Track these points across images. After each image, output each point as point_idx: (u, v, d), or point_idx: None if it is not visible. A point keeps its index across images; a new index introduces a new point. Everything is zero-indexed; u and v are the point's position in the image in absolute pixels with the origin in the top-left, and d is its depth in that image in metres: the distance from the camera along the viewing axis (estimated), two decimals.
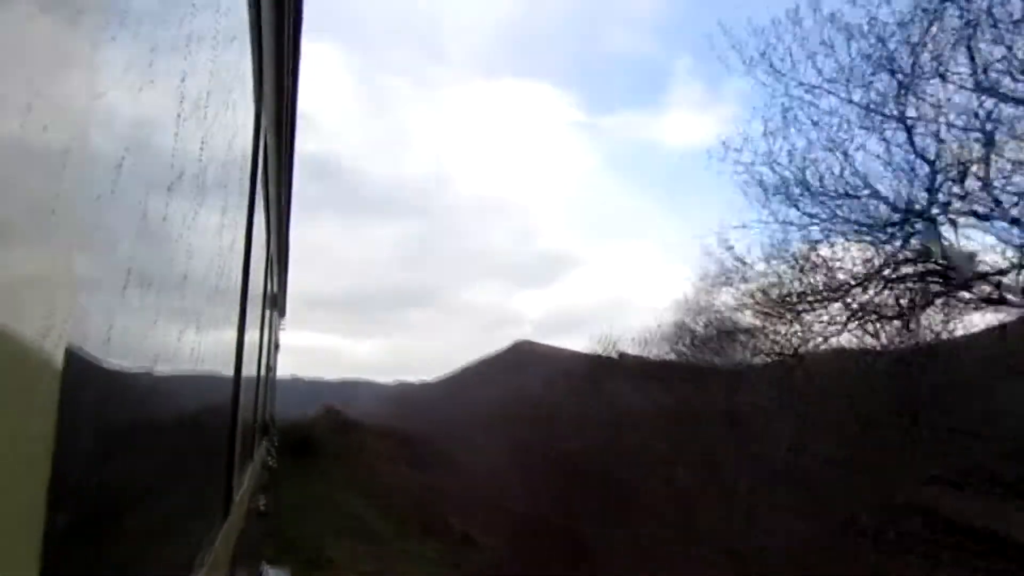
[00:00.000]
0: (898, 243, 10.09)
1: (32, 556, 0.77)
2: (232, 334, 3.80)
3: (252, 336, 5.36)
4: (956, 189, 9.16)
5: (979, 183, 8.84)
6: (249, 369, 5.38)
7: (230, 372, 3.85)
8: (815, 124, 10.25)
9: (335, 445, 26.61)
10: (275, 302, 11.85)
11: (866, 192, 10.06)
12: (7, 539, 0.70)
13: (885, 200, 9.97)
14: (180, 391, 2.11)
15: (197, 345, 2.29)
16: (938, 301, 10.69)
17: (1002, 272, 9.02)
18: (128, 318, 1.23)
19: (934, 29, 8.73)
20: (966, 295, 9.75)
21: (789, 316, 11.90)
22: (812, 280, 11.31)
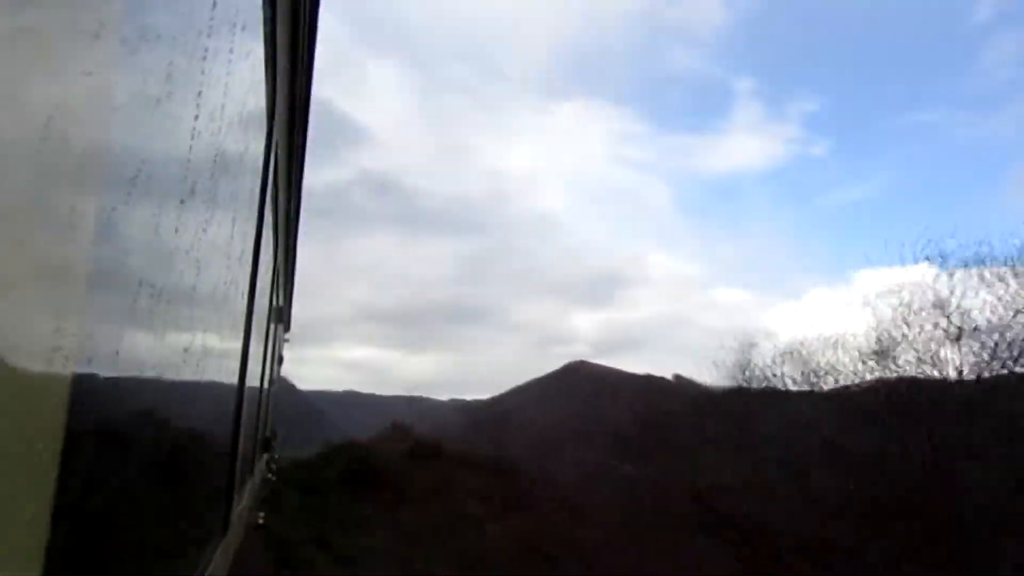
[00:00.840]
0: None
1: (36, 567, 0.76)
2: (237, 348, 3.80)
3: (256, 350, 5.36)
4: None
5: None
6: (252, 383, 5.37)
7: (233, 386, 3.84)
8: None
9: (409, 477, 20.84)
10: (280, 316, 11.87)
11: None
12: (12, 551, 0.70)
13: None
14: (184, 405, 2.10)
15: (202, 359, 2.28)
16: None
17: None
18: (137, 332, 1.23)
19: None
20: None
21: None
22: None
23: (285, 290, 12.08)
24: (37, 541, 0.76)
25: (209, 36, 1.60)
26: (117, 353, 1.07)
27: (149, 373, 1.48)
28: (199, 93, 1.46)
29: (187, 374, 2.03)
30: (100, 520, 1.18)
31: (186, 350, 1.89)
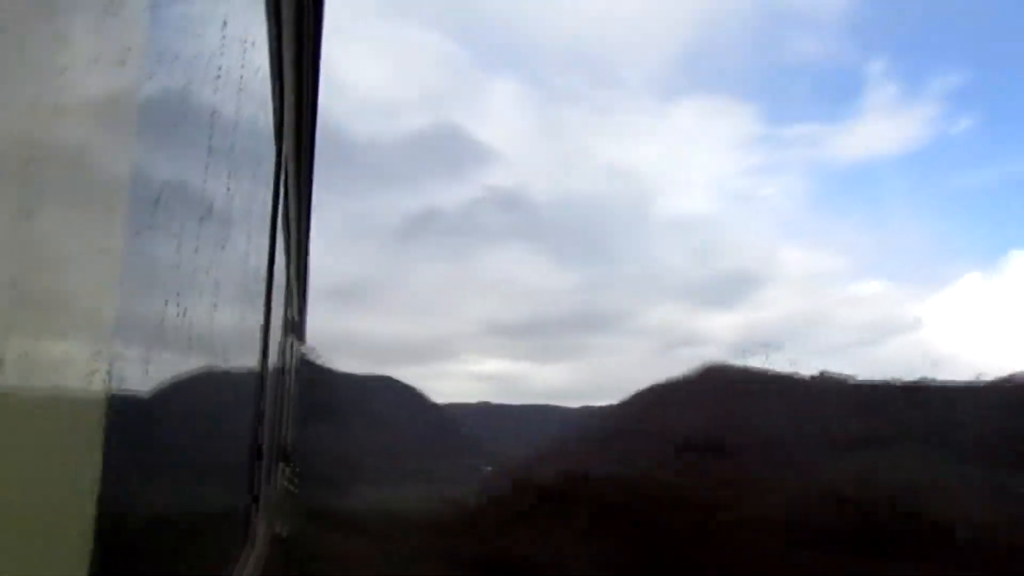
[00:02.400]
0: None
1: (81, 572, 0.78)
2: (256, 360, 3.84)
3: (273, 362, 5.40)
4: None
5: None
6: (271, 396, 5.41)
7: (252, 399, 3.88)
8: None
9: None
10: (295, 328, 11.94)
11: None
12: (62, 564, 0.72)
13: None
14: (207, 419, 2.13)
15: (223, 373, 2.32)
16: None
17: None
18: (164, 351, 1.25)
19: None
20: None
21: None
22: None
23: (299, 302, 12.16)
24: (83, 554, 0.79)
25: (221, 55, 1.63)
26: (147, 372, 1.10)
27: (174, 388, 1.51)
28: (212, 113, 1.49)
29: (209, 389, 2.06)
30: (135, 537, 1.21)
31: (208, 364, 1.92)
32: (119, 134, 0.82)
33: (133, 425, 1.09)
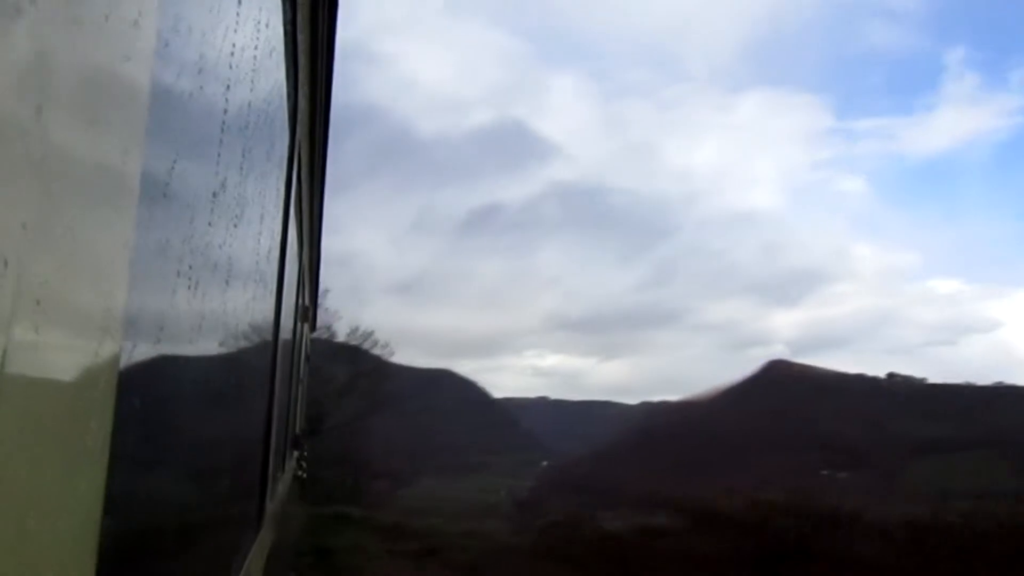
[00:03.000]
0: None
1: (90, 558, 0.76)
2: (268, 343, 3.83)
3: (285, 348, 5.41)
4: None
5: None
6: (282, 381, 5.42)
7: (265, 384, 3.88)
8: None
9: None
10: (306, 315, 11.99)
11: None
12: (68, 543, 0.70)
13: None
14: (219, 402, 2.12)
15: (234, 354, 2.30)
16: None
17: None
18: (175, 330, 1.23)
19: None
20: None
21: None
22: None
23: (310, 289, 12.20)
24: (92, 531, 0.77)
25: (236, 31, 1.60)
26: (158, 347, 1.07)
27: (185, 373, 1.49)
28: (227, 87, 1.47)
29: (219, 374, 2.05)
30: (145, 517, 1.19)
31: (220, 343, 1.90)
32: (131, 96, 0.79)
33: (144, 407, 1.07)
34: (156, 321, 1.11)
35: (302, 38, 3.89)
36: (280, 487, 7.04)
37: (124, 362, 0.85)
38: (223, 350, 2.03)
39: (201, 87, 1.22)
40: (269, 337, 3.92)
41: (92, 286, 0.76)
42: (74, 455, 0.71)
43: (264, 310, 3.41)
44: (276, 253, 3.83)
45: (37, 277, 0.61)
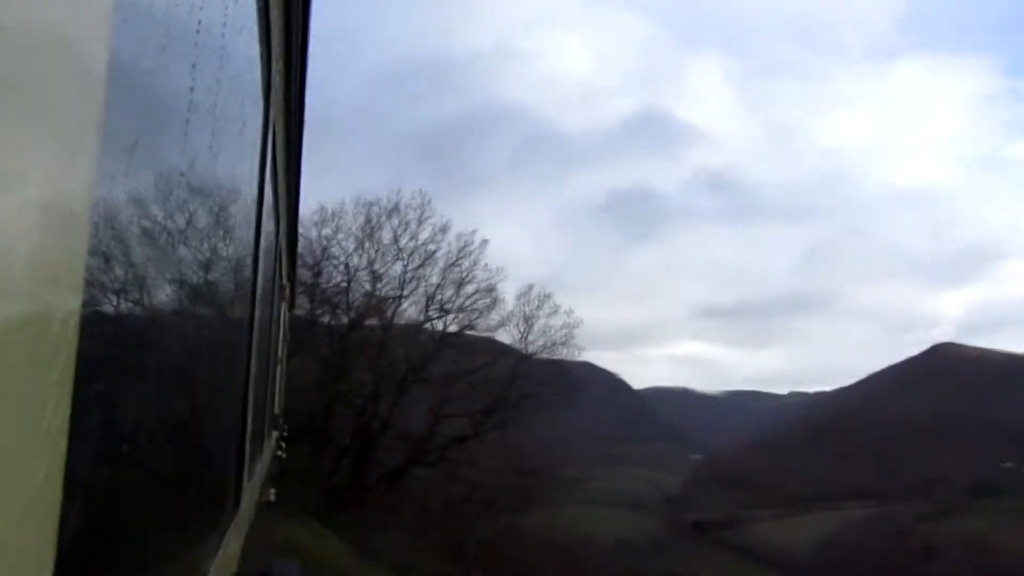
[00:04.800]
0: None
1: (50, 534, 0.76)
2: (244, 323, 3.81)
3: (263, 326, 5.38)
4: None
5: None
6: (260, 360, 5.40)
7: (242, 362, 3.86)
8: None
9: None
10: (284, 294, 11.90)
11: None
12: (27, 520, 0.70)
13: None
14: (191, 379, 2.11)
15: (209, 333, 2.29)
16: None
17: None
18: (142, 304, 1.22)
19: None
20: None
21: None
22: None
23: (288, 267, 12.10)
24: (52, 503, 0.77)
25: (202, 8, 1.57)
26: (122, 323, 1.06)
27: (155, 344, 1.48)
28: (193, 65, 1.44)
29: (192, 347, 2.03)
30: (110, 496, 1.19)
31: (193, 320, 1.89)
32: (90, 66, 0.78)
33: (107, 384, 1.06)
34: (120, 295, 1.11)
35: (275, 14, 3.83)
36: (258, 467, 7.03)
37: (85, 338, 0.85)
38: (196, 327, 2.02)
39: (165, 65, 1.20)
40: (245, 315, 3.89)
41: (50, 259, 0.76)
42: (31, 436, 0.71)
43: (239, 287, 3.38)
44: (251, 231, 3.80)
45: None
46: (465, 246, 37.59)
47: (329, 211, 35.94)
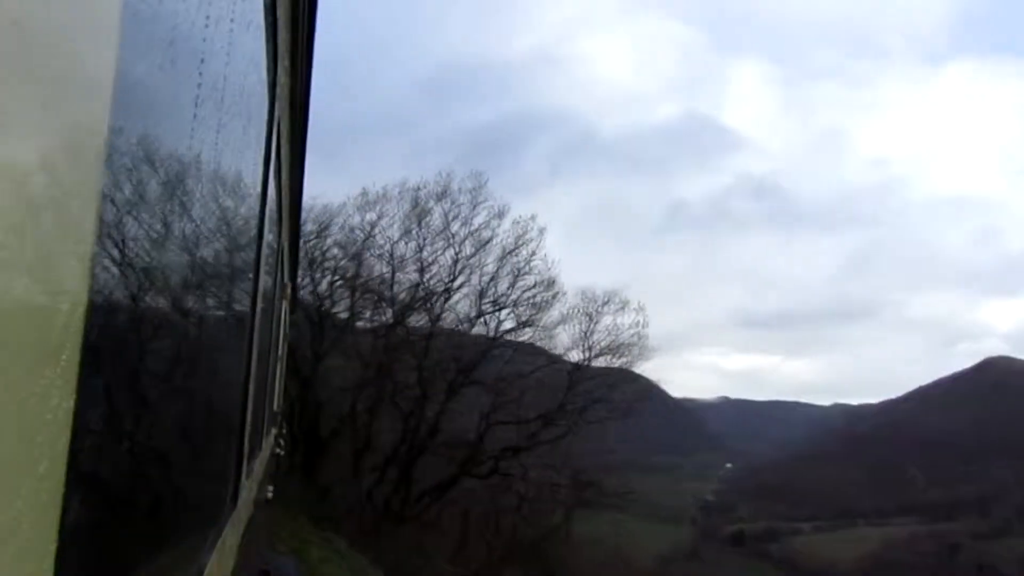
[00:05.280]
0: None
1: (51, 526, 0.77)
2: (245, 320, 3.81)
3: (263, 324, 5.39)
4: None
5: None
6: (260, 358, 5.40)
7: (242, 360, 3.86)
8: None
9: None
10: (285, 293, 11.92)
11: None
12: (29, 511, 0.70)
13: None
14: (191, 376, 2.12)
15: (211, 331, 2.29)
16: None
17: None
18: (145, 300, 1.22)
19: None
20: None
21: None
22: None
23: (290, 267, 12.11)
24: (54, 495, 0.77)
25: (210, 3, 1.57)
26: (129, 322, 1.07)
27: (157, 340, 1.48)
28: (201, 61, 1.45)
29: (194, 344, 2.04)
30: (111, 492, 1.19)
31: (195, 318, 1.89)
32: (98, 64, 0.78)
33: (110, 380, 1.06)
34: (124, 291, 1.11)
35: (282, 12, 3.83)
36: (257, 464, 7.03)
37: (90, 332, 0.85)
38: (198, 324, 2.02)
39: (173, 60, 1.21)
40: (247, 313, 3.90)
41: (56, 253, 0.76)
42: (34, 429, 0.71)
43: (241, 285, 3.39)
44: (254, 230, 3.80)
45: None
46: (524, 233, 32.75)
47: (372, 195, 31.77)
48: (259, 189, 3.87)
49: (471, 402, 31.66)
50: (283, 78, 4.64)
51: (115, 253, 1.02)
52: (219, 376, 2.94)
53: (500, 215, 32.44)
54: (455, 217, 31.64)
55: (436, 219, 31.62)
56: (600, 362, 33.89)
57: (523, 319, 32.99)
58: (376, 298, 31.83)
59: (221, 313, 2.67)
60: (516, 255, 32.55)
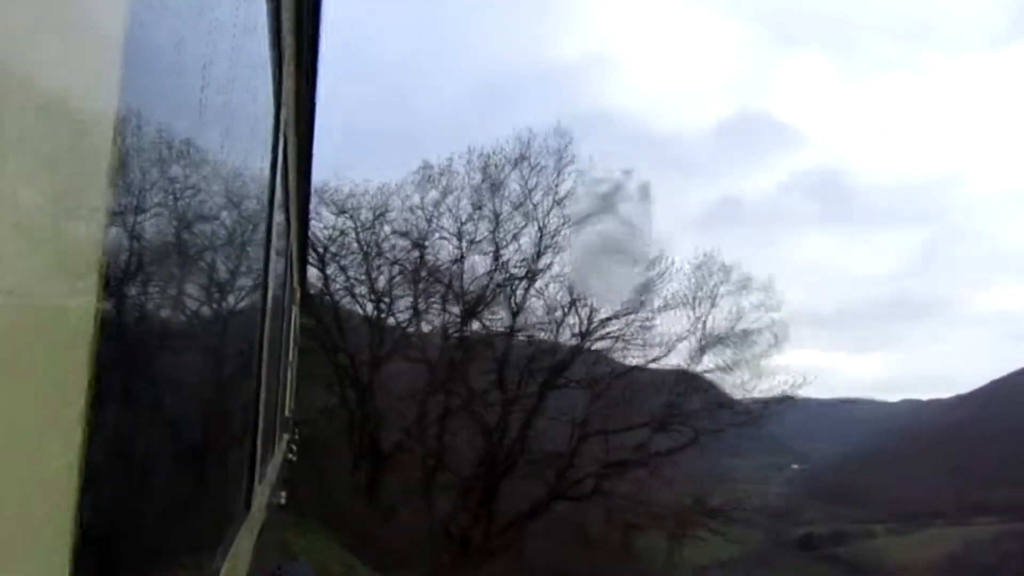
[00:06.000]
0: None
1: (66, 529, 0.77)
2: (255, 325, 3.83)
3: (274, 329, 5.40)
4: None
5: None
6: (271, 363, 5.42)
7: (253, 365, 3.87)
8: None
9: None
10: (295, 298, 11.95)
11: None
12: (45, 514, 0.70)
13: None
14: (203, 381, 2.12)
15: (221, 336, 2.29)
16: None
17: None
18: (156, 308, 1.23)
19: None
20: None
21: None
22: None
23: (299, 271, 12.16)
24: (68, 498, 0.77)
25: (214, 9, 1.58)
26: (140, 326, 1.07)
27: (169, 346, 1.48)
28: (204, 65, 1.45)
29: (205, 349, 2.04)
30: (125, 497, 1.19)
31: (206, 323, 1.89)
32: (105, 67, 0.78)
33: (123, 384, 1.06)
34: (134, 295, 1.11)
35: (286, 16, 3.84)
36: (270, 470, 7.05)
37: (102, 335, 0.85)
38: (209, 328, 2.03)
39: (178, 65, 1.21)
40: (257, 318, 3.91)
41: (67, 256, 0.76)
42: (48, 432, 0.71)
43: (251, 290, 3.40)
44: (263, 234, 3.81)
45: (5, 283, 0.61)
46: (616, 190, 26.30)
47: (436, 168, 26.15)
48: (266, 195, 3.88)
49: (559, 407, 26.08)
50: (288, 83, 4.65)
51: (125, 259, 1.02)
52: (230, 381, 2.94)
53: (594, 182, 25.71)
54: (535, 186, 25.62)
55: (513, 189, 25.87)
56: (716, 356, 27.02)
57: (629, 306, 26.05)
58: (444, 290, 26.49)
59: (232, 318, 2.68)
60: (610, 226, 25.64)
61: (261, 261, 3.89)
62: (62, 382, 0.75)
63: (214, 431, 2.49)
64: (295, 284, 11.33)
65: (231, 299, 2.61)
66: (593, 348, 26.51)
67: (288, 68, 4.43)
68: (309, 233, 11.35)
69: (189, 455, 1.95)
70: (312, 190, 9.00)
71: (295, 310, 13.05)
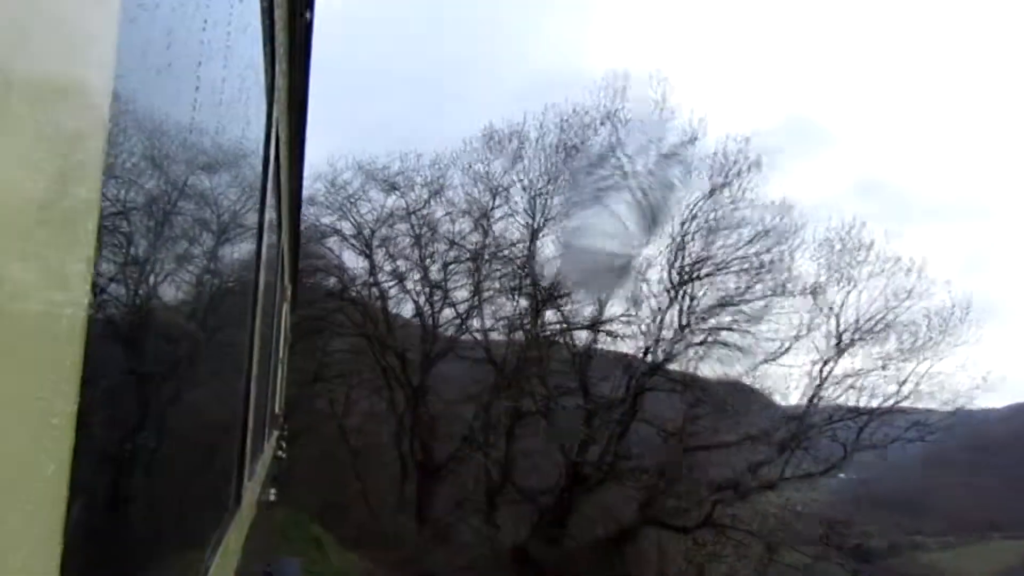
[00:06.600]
0: None
1: (56, 529, 0.77)
2: (246, 323, 3.82)
3: (265, 327, 5.39)
4: None
5: None
6: (262, 359, 5.41)
7: (243, 362, 3.87)
8: None
9: None
10: (286, 295, 11.92)
11: None
12: (34, 515, 0.71)
13: None
14: (195, 377, 2.12)
15: (211, 334, 2.29)
16: None
17: None
18: (146, 304, 1.23)
19: None
20: None
21: None
22: None
23: (291, 269, 12.14)
24: (58, 498, 0.77)
25: (208, 7, 1.58)
26: (129, 322, 1.07)
27: (158, 342, 1.49)
28: (199, 64, 1.45)
29: (194, 347, 2.04)
30: (113, 494, 1.20)
31: (195, 320, 1.89)
32: (97, 70, 0.79)
33: (112, 380, 1.07)
34: (125, 294, 1.11)
35: (279, 15, 3.84)
36: (259, 467, 7.04)
37: (92, 335, 0.85)
38: (200, 326, 2.03)
39: (170, 63, 1.21)
40: (248, 315, 3.90)
41: (56, 256, 0.76)
42: (38, 433, 0.72)
43: (242, 288, 3.39)
44: (254, 231, 3.81)
45: None
46: (733, 163, 19.69)
47: (500, 134, 21.09)
48: (258, 192, 3.88)
49: (652, 412, 21.03)
50: (281, 81, 4.64)
51: (116, 256, 1.02)
52: (220, 379, 2.94)
53: (694, 138, 19.58)
54: (623, 146, 19.68)
55: (597, 151, 20.19)
56: (863, 352, 20.16)
57: (740, 293, 20.27)
58: (511, 275, 21.55)
59: (222, 316, 2.68)
60: (723, 191, 19.75)
61: (252, 259, 3.89)
62: (52, 380, 0.76)
63: (204, 428, 2.49)
64: (286, 282, 11.31)
65: (221, 297, 2.61)
66: (700, 343, 20.67)
67: (280, 66, 4.42)
68: (300, 231, 11.33)
69: (178, 452, 1.95)
70: (303, 188, 8.98)
71: (286, 308, 13.01)
